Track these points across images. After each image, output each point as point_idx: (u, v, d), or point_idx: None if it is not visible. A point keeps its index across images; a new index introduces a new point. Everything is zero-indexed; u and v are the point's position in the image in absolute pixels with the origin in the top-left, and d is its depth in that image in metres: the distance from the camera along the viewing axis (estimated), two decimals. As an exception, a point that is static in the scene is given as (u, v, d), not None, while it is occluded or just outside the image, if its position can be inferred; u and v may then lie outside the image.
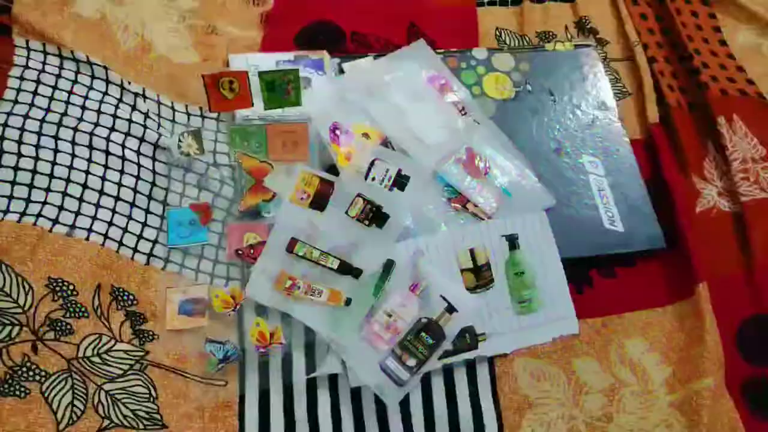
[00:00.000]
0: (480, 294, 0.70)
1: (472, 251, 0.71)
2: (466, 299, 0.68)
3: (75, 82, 0.73)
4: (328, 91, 0.79)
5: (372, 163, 0.71)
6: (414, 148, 0.76)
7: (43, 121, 0.69)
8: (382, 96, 0.79)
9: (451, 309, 0.67)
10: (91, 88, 0.74)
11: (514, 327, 0.70)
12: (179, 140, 0.72)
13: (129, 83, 0.76)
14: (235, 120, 0.76)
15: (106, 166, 0.70)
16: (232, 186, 0.74)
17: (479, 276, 0.71)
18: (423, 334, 0.66)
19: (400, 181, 0.71)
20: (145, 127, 0.73)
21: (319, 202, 0.70)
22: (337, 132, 0.74)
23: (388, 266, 0.68)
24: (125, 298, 0.65)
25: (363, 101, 0.78)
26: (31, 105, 0.70)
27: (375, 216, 0.69)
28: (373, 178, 0.71)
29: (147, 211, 0.71)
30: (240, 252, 0.68)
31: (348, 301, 0.66)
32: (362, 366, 0.65)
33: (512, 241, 0.72)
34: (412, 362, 0.65)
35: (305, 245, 0.67)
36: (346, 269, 0.67)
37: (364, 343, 0.66)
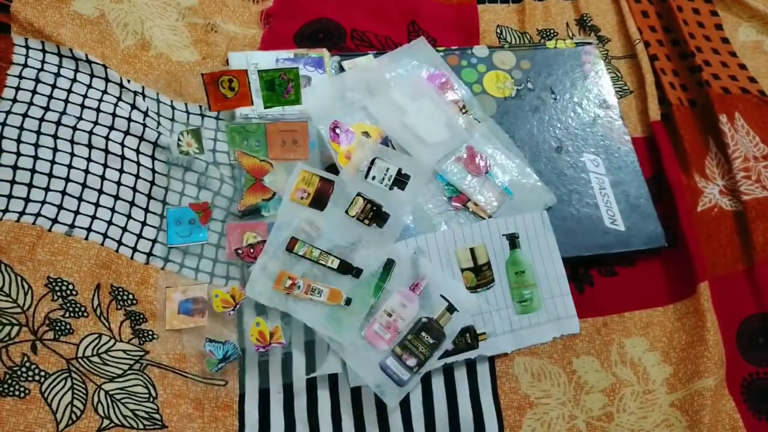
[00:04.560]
0: (480, 293, 0.70)
1: (472, 250, 0.71)
2: (466, 298, 0.68)
3: (74, 80, 0.73)
4: (328, 90, 0.79)
5: (372, 162, 0.71)
6: (414, 146, 0.75)
7: (42, 119, 0.69)
8: (382, 94, 0.79)
9: (451, 308, 0.67)
10: (90, 86, 0.73)
11: (515, 326, 0.69)
12: (178, 139, 0.72)
13: (128, 81, 0.76)
14: (235, 119, 0.76)
15: (105, 165, 0.70)
16: (232, 185, 0.74)
17: (480, 275, 0.70)
18: (423, 333, 0.66)
19: (401, 181, 0.71)
20: (144, 125, 0.73)
21: (319, 201, 0.69)
22: (337, 131, 0.74)
23: (389, 266, 0.67)
24: (125, 297, 0.65)
25: (363, 99, 0.78)
26: (30, 104, 0.69)
27: (375, 215, 0.69)
28: (374, 177, 0.71)
29: (146, 210, 0.70)
30: (239, 251, 0.68)
31: (348, 301, 0.66)
32: (362, 366, 0.65)
33: (513, 240, 0.72)
34: (412, 362, 0.65)
35: (305, 244, 0.67)
36: (347, 269, 0.67)
37: (364, 343, 0.65)
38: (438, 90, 0.81)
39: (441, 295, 0.67)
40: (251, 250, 0.68)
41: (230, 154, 0.74)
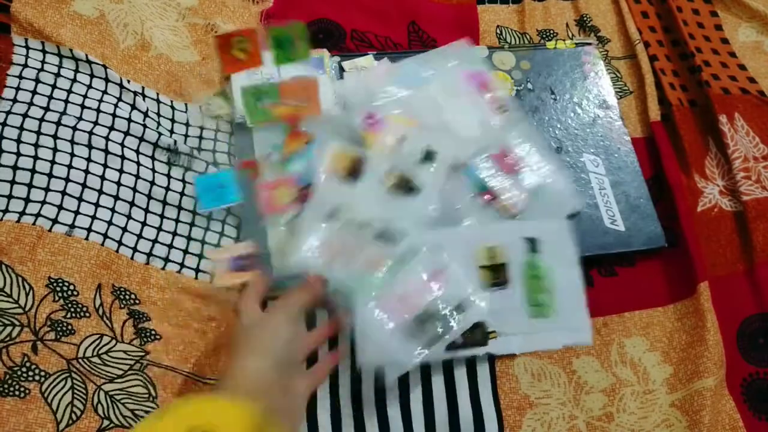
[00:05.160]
0: (495, 292, 0.70)
1: (491, 249, 0.71)
2: (480, 298, 0.68)
3: (74, 81, 0.73)
4: (366, 80, 0.80)
5: (401, 139, 0.71)
6: (447, 141, 0.76)
7: (42, 120, 0.69)
8: (420, 89, 0.80)
9: (462, 306, 0.67)
10: (90, 86, 0.73)
11: (526, 329, 0.69)
12: (208, 102, 0.71)
13: (128, 82, 0.76)
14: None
15: (105, 165, 0.70)
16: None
17: (496, 275, 0.70)
18: (433, 321, 0.66)
19: (430, 154, 0.71)
20: (144, 126, 0.73)
21: (353, 175, 0.70)
22: (371, 120, 0.74)
23: (414, 248, 0.68)
24: (127, 297, 0.65)
25: (401, 92, 0.79)
26: (30, 104, 0.69)
27: (408, 188, 0.70)
28: (404, 153, 0.71)
29: (146, 211, 0.70)
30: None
31: (389, 267, 0.66)
32: (367, 339, 0.65)
33: (533, 245, 0.72)
34: (417, 345, 0.65)
35: (341, 216, 0.67)
36: (383, 238, 0.67)
37: (374, 318, 0.65)
38: (477, 89, 0.81)
39: (456, 289, 0.67)
40: (305, 192, 0.69)
41: (247, 119, 0.73)
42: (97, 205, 0.68)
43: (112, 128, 0.72)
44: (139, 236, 0.69)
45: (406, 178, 0.70)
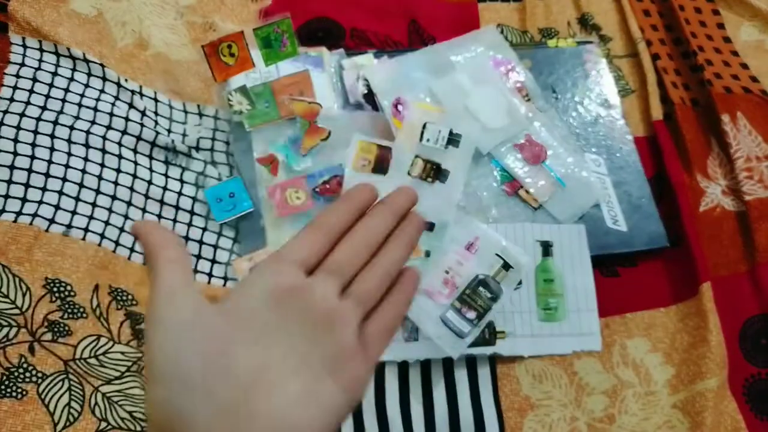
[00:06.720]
0: (507, 294, 0.69)
1: (504, 249, 0.70)
2: (521, 258, 0.69)
3: (71, 79, 0.72)
4: (394, 68, 0.80)
5: (424, 127, 0.72)
6: (472, 129, 0.76)
7: (39, 119, 0.68)
8: (447, 76, 0.80)
9: (507, 266, 0.68)
10: (87, 86, 0.73)
11: (536, 332, 0.69)
12: (228, 99, 0.71)
13: (126, 81, 0.76)
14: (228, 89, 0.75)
15: (102, 165, 0.69)
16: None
17: (508, 274, 0.70)
18: (481, 288, 0.67)
19: (454, 140, 0.72)
20: (142, 125, 0.72)
21: (381, 167, 0.71)
22: (399, 107, 0.75)
23: (443, 223, 0.69)
24: (124, 297, 0.65)
25: (428, 80, 0.79)
26: (27, 103, 0.69)
27: (436, 172, 0.70)
28: (428, 140, 0.72)
29: (144, 210, 0.70)
30: (318, 189, 0.70)
31: (428, 253, 0.67)
32: (422, 318, 0.66)
33: (546, 248, 0.72)
34: (471, 315, 0.66)
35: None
36: None
37: (424, 297, 0.67)
38: (503, 76, 0.82)
39: (496, 254, 0.68)
40: (327, 186, 0.71)
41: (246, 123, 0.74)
42: (94, 205, 0.67)
43: (109, 127, 0.71)
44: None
45: (433, 163, 0.70)
